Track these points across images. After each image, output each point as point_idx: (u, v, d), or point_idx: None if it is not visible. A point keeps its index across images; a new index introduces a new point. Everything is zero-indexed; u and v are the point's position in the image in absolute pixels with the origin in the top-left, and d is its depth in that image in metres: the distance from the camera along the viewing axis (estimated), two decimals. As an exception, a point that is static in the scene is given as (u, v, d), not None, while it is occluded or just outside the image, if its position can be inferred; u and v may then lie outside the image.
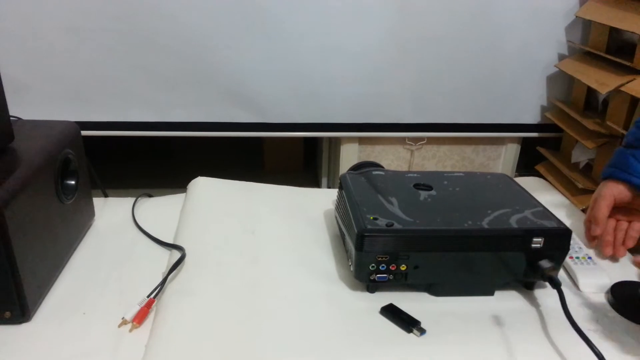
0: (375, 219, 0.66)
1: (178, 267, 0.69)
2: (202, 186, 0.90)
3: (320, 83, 1.87)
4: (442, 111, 1.95)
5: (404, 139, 2.05)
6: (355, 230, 0.64)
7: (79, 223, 0.77)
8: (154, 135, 1.84)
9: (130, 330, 0.60)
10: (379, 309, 0.64)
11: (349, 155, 2.07)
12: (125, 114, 1.77)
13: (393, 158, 2.10)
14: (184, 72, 1.76)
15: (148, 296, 0.64)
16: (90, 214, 0.82)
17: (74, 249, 0.76)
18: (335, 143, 2.11)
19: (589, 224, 0.79)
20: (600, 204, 0.78)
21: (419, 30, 1.81)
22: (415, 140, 2.05)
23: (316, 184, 2.44)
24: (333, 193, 0.90)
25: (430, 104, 1.94)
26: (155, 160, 2.74)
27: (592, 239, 0.79)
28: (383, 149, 2.08)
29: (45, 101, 1.71)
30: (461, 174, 0.81)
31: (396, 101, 1.92)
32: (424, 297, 0.68)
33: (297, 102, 1.89)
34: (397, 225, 0.64)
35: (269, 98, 1.87)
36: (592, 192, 0.77)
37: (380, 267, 0.65)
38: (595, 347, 0.55)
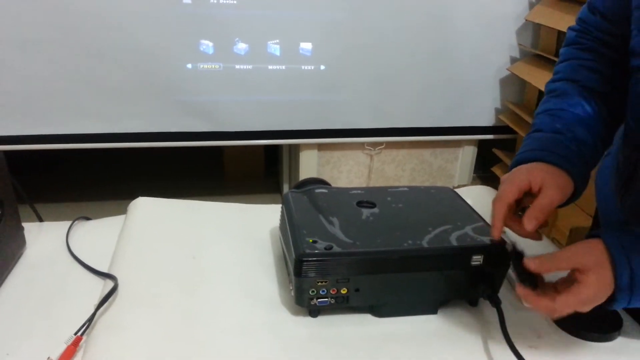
0: (314, 241, 0.64)
1: (110, 300, 0.65)
2: (143, 208, 0.86)
3: (277, 91, 1.84)
4: (399, 116, 1.95)
5: (362, 144, 2.04)
6: (294, 255, 0.62)
7: (6, 254, 0.73)
8: (104, 147, 1.78)
9: (56, 372, 0.57)
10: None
11: (309, 162, 2.05)
12: (73, 127, 1.70)
13: (353, 164, 2.09)
14: (133, 82, 1.70)
15: (76, 333, 0.60)
16: (20, 242, 0.77)
17: (1, 283, 0.71)
18: (295, 150, 2.09)
19: None
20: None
21: (373, 38, 1.81)
22: (374, 145, 2.05)
23: (278, 190, 2.41)
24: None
25: (387, 109, 1.94)
26: (109, 174, 2.66)
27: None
28: (343, 154, 2.07)
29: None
30: (405, 188, 0.80)
31: (354, 107, 1.92)
32: (367, 319, 0.66)
33: (255, 110, 1.86)
34: (336, 248, 0.63)
35: (225, 107, 1.83)
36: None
37: (320, 292, 0.63)
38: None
